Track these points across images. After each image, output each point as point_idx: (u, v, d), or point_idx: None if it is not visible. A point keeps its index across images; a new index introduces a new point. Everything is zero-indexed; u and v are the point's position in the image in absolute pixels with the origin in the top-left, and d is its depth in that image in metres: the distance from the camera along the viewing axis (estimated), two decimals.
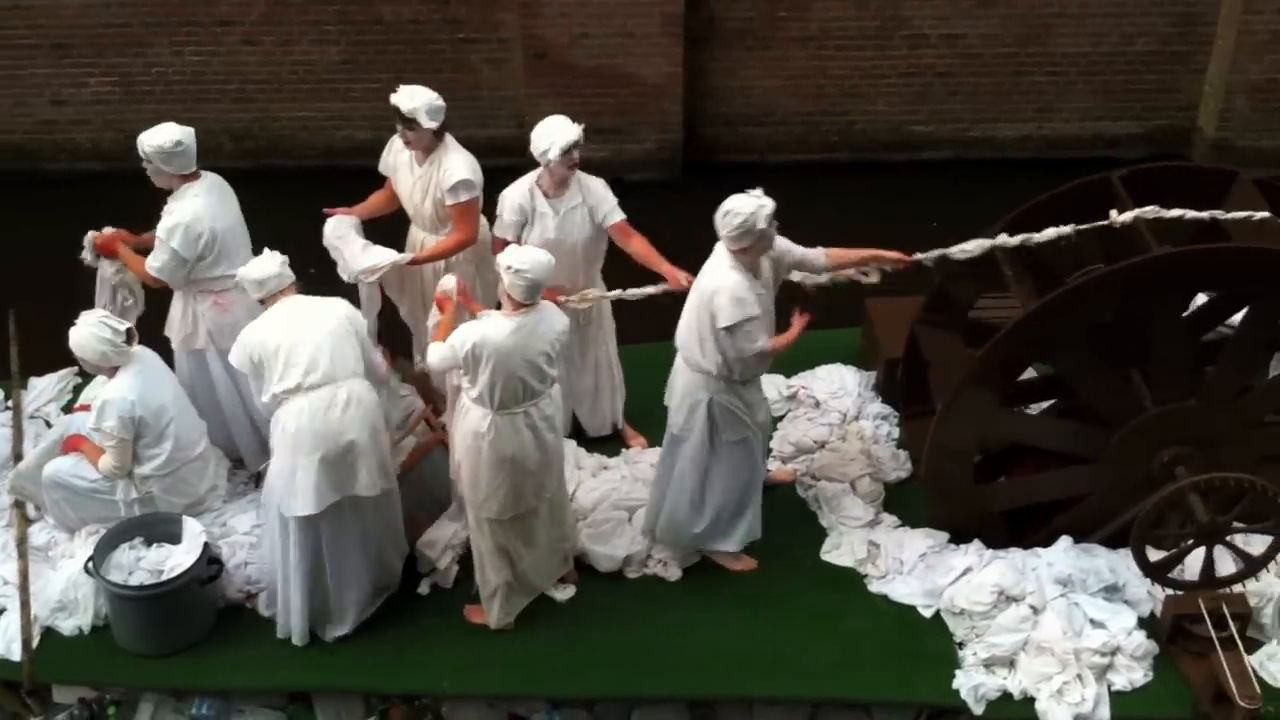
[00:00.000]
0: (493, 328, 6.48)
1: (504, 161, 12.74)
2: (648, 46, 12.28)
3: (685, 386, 7.00)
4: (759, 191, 6.65)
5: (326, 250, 7.59)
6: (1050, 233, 7.06)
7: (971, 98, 12.91)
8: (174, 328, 7.61)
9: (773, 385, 8.35)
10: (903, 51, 12.68)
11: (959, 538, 7.33)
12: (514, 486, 6.71)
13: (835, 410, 8.28)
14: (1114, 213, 7.04)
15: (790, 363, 8.38)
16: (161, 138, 7.23)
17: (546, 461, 6.80)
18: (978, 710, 6.70)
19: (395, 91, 7.51)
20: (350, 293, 7.38)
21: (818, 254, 7.05)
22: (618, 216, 7.55)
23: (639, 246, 7.51)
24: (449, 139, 7.60)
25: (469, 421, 6.63)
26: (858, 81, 12.83)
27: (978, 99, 12.92)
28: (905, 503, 7.65)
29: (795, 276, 7.18)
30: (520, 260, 6.44)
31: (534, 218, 7.44)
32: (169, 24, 12.44)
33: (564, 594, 7.29)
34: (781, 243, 6.92)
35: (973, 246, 7.20)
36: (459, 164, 7.49)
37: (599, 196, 7.54)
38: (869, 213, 11.73)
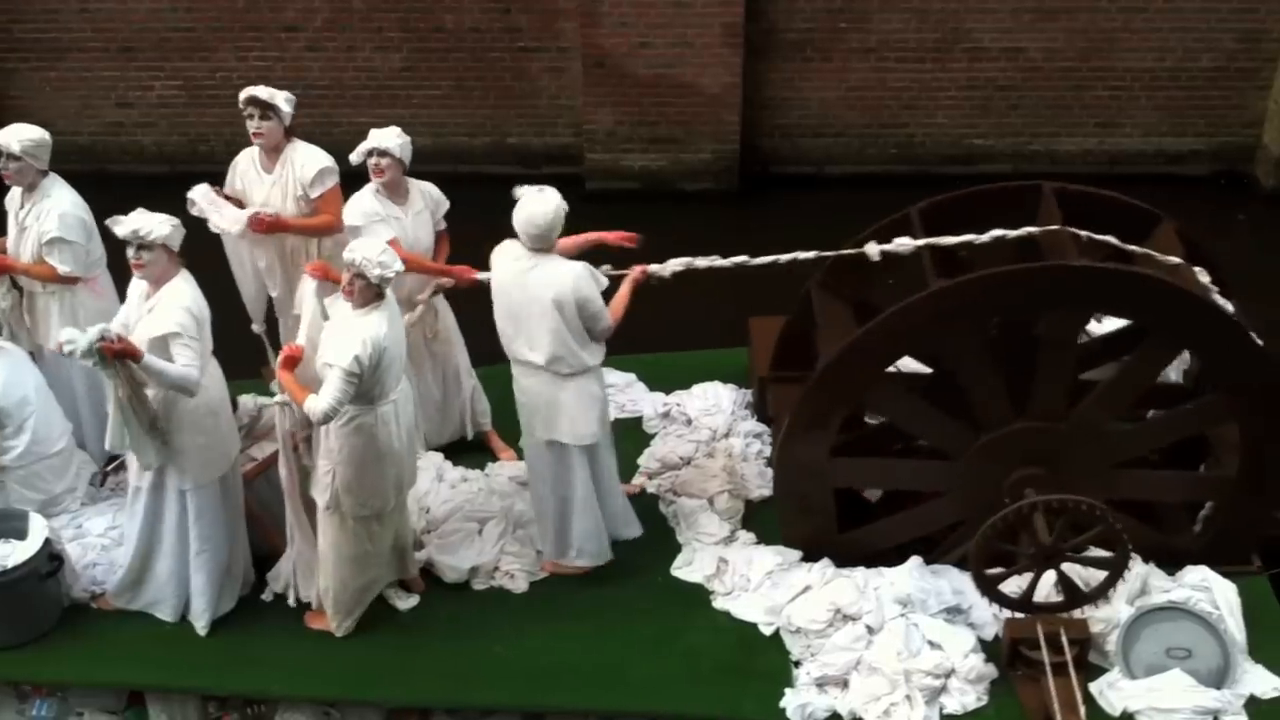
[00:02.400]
0: (375, 328, 6.48)
1: (563, 170, 12.92)
2: (707, 56, 12.29)
3: (581, 396, 6.99)
4: (538, 189, 6.83)
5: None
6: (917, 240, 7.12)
7: (1032, 111, 12.83)
8: (52, 331, 7.51)
9: (649, 403, 8.51)
10: (963, 64, 12.62)
11: (810, 556, 7.26)
12: (394, 474, 6.82)
13: (706, 427, 8.27)
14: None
15: (672, 381, 8.59)
16: (35, 133, 7.48)
17: (411, 443, 6.95)
18: None
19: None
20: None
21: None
22: (442, 224, 7.78)
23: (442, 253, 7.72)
24: (297, 139, 7.72)
25: (351, 425, 6.60)
26: (917, 94, 12.78)
27: (1038, 113, 12.84)
28: (766, 520, 7.57)
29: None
30: (382, 254, 6.47)
31: (383, 222, 7.49)
32: (234, 29, 12.61)
33: (407, 603, 7.29)
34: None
35: (903, 245, 7.19)
36: (315, 155, 7.64)
37: (438, 199, 7.71)
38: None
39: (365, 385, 6.49)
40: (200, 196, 7.65)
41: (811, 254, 7.42)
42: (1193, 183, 12.93)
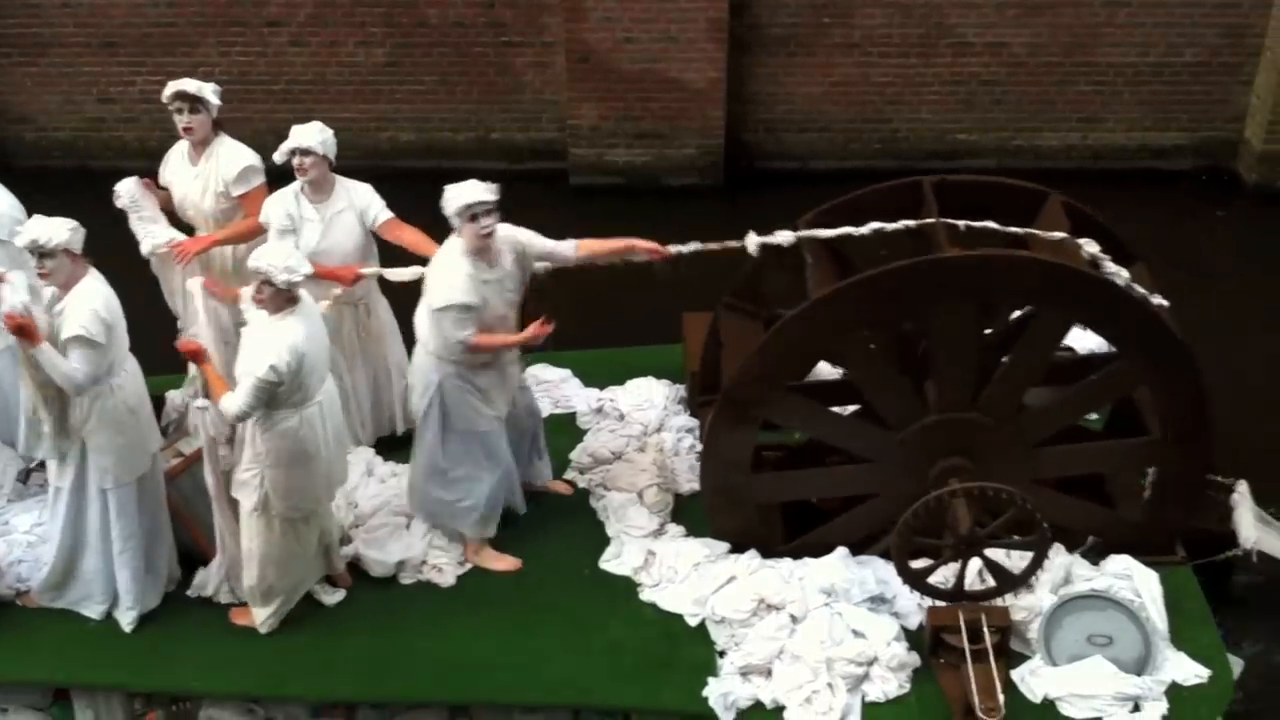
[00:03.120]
0: (293, 333, 6.49)
1: (547, 165, 12.91)
2: (692, 52, 12.28)
3: (418, 366, 7.14)
4: (485, 185, 6.83)
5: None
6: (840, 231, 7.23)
7: (1016, 107, 12.85)
8: None
9: (583, 399, 8.56)
10: (947, 59, 12.64)
11: (739, 549, 7.31)
12: (324, 475, 6.84)
13: (638, 423, 8.34)
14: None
15: (607, 376, 8.65)
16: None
17: (340, 443, 6.97)
18: (726, 718, 6.65)
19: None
20: None
21: (568, 246, 7.20)
22: (386, 215, 7.63)
23: (411, 237, 7.57)
24: (224, 134, 7.71)
25: (276, 429, 6.62)
26: (901, 89, 12.79)
27: (1022, 108, 12.86)
28: (696, 513, 7.61)
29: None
30: (289, 259, 6.47)
31: (300, 225, 7.49)
32: (217, 24, 12.56)
33: (333, 598, 7.30)
34: (524, 234, 7.09)
35: (783, 238, 7.31)
36: (240, 153, 7.62)
37: (366, 199, 7.62)
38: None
39: (287, 390, 6.50)
40: (126, 193, 7.64)
41: (691, 246, 7.44)
42: (1176, 177, 12.96)
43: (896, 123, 12.95)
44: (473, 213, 6.81)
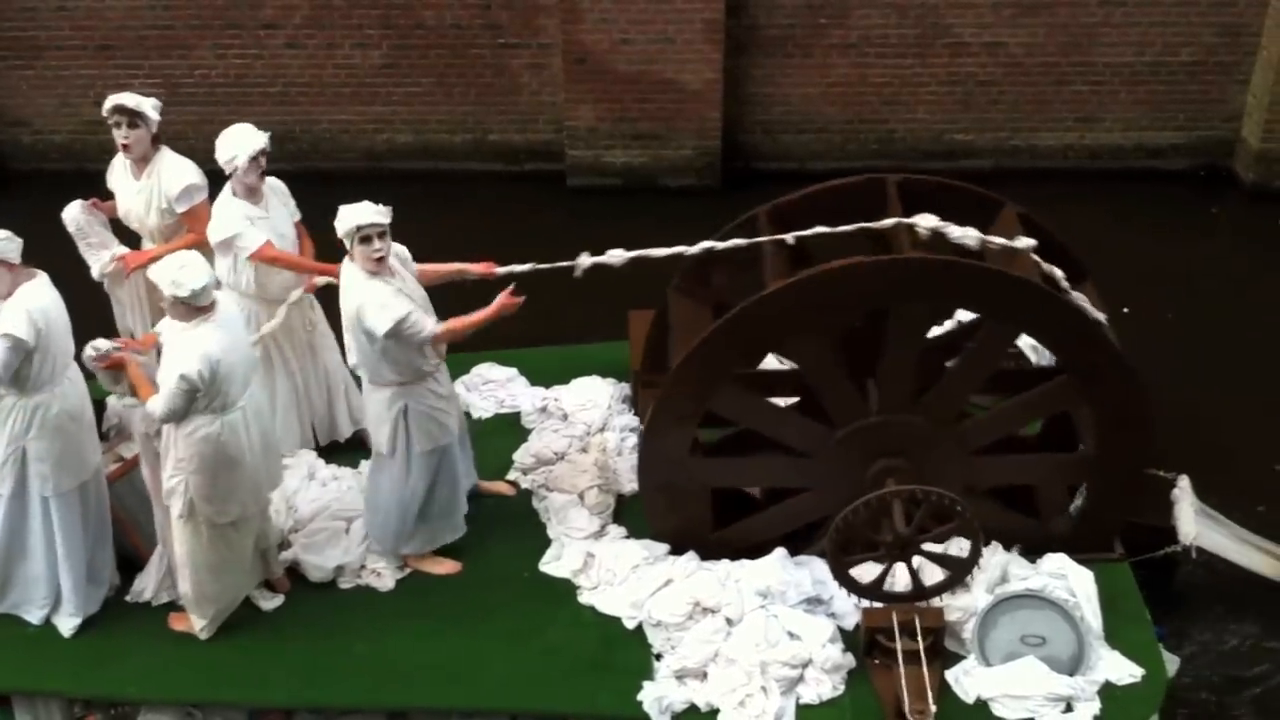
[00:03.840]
0: (205, 342, 6.48)
1: (544, 166, 12.91)
2: (688, 53, 12.28)
3: (375, 405, 7.09)
4: (377, 207, 6.78)
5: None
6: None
7: (1013, 106, 12.85)
8: None
9: (529, 398, 8.52)
10: (943, 60, 12.63)
11: (679, 550, 7.29)
12: (252, 481, 6.81)
13: (581, 422, 8.30)
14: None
15: (553, 376, 8.61)
16: None
17: (268, 449, 6.93)
18: None
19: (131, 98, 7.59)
20: None
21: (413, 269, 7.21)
22: (298, 215, 7.68)
23: (305, 247, 7.63)
24: (165, 148, 7.67)
25: (197, 434, 6.59)
26: (898, 89, 12.79)
27: (1019, 108, 12.86)
28: (638, 514, 7.56)
29: None
30: (182, 275, 6.43)
31: (256, 223, 7.47)
32: (213, 26, 12.55)
33: (271, 603, 7.28)
34: (400, 249, 7.07)
35: (615, 257, 7.25)
36: (183, 170, 7.58)
37: (286, 195, 7.65)
38: None
39: (206, 396, 6.50)
40: (71, 220, 7.67)
41: (525, 267, 7.36)
42: (1172, 177, 12.96)
43: (893, 123, 12.95)
44: (364, 234, 6.75)
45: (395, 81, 12.78)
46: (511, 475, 8.02)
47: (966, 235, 6.87)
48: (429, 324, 6.86)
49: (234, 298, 7.17)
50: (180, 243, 7.55)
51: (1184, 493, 7.58)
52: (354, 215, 6.76)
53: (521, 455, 8.13)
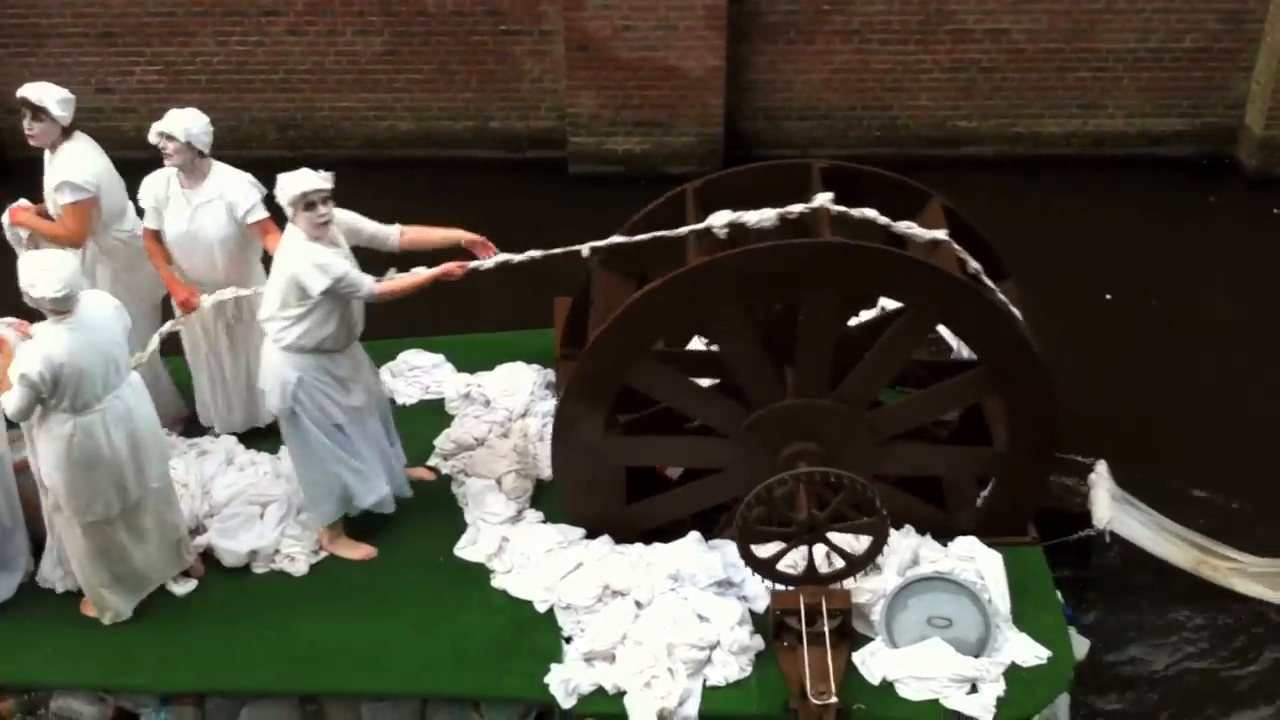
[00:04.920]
0: (50, 343, 6.40)
1: (546, 154, 12.89)
2: (690, 39, 12.26)
3: (271, 366, 7.04)
4: (320, 174, 6.76)
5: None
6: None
7: (1016, 93, 12.83)
8: None
9: (454, 385, 8.51)
10: (946, 46, 12.61)
11: (593, 534, 7.31)
12: (114, 482, 6.71)
13: (503, 408, 8.30)
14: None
15: (480, 362, 8.61)
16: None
17: (138, 450, 6.78)
18: (567, 704, 6.61)
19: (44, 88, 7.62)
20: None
21: (392, 231, 7.16)
22: (257, 216, 7.51)
23: (274, 244, 7.39)
24: (80, 138, 7.65)
25: (52, 433, 6.54)
26: (900, 76, 12.77)
27: (1022, 94, 12.84)
28: (556, 499, 7.55)
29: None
30: (40, 279, 6.37)
31: (168, 207, 7.46)
32: (214, 13, 12.53)
33: (183, 588, 7.25)
34: (350, 216, 7.04)
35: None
36: (70, 164, 7.52)
37: (239, 193, 7.50)
38: None
39: (55, 397, 6.44)
40: (6, 227, 7.70)
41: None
42: (1175, 164, 12.95)
43: (896, 110, 12.93)
44: (308, 200, 6.72)
45: (397, 68, 12.77)
46: (432, 461, 8.00)
47: (765, 218, 6.91)
48: (367, 281, 6.86)
49: (107, 297, 6.99)
50: (54, 229, 7.56)
51: (1101, 478, 7.60)
52: (297, 183, 6.73)
53: (442, 441, 8.12)
